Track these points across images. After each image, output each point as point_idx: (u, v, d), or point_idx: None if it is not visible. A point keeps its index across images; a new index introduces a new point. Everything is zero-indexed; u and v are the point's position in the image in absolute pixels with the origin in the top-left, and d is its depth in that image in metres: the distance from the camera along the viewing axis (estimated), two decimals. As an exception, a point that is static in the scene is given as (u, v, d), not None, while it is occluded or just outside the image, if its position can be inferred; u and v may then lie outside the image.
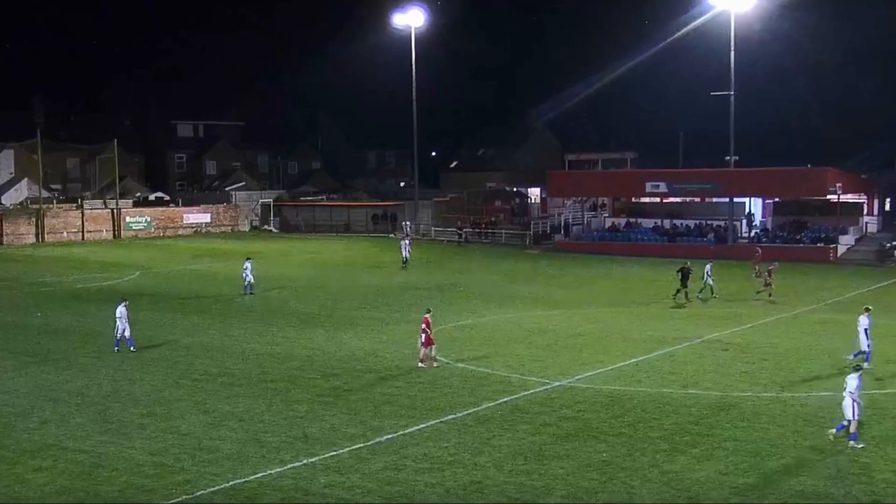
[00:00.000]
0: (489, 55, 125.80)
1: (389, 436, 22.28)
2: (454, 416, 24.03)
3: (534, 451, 21.06)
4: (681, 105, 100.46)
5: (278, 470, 19.97)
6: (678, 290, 45.86)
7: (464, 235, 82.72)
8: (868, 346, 29.97)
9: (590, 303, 46.24)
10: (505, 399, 25.75)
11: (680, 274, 45.86)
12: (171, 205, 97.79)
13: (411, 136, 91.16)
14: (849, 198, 77.30)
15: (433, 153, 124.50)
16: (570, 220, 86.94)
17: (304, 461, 20.51)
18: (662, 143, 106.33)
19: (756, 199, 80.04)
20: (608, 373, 29.31)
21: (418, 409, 24.83)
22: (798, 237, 73.23)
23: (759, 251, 57.45)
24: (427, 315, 30.22)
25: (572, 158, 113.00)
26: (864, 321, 30.21)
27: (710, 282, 46.91)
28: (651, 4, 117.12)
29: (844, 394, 21.63)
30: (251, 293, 47.49)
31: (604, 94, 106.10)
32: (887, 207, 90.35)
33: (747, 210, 79.05)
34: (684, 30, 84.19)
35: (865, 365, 29.08)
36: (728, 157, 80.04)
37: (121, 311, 32.83)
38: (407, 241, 64.02)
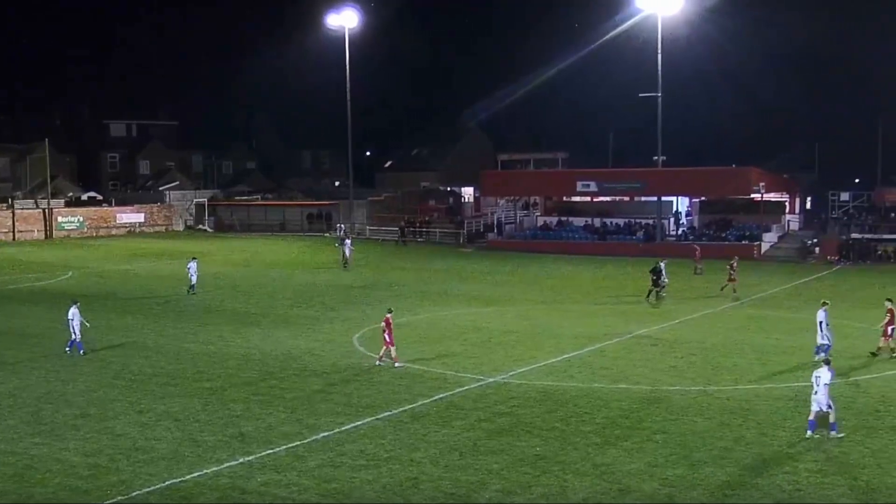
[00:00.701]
0: (423, 56, 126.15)
1: (326, 433, 22.18)
2: (390, 413, 24.00)
3: (469, 447, 21.12)
4: (610, 106, 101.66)
5: (214, 469, 19.77)
6: (650, 291, 45.62)
7: (406, 235, 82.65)
8: (827, 338, 30.24)
9: (522, 300, 46.51)
10: (440, 396, 25.80)
11: (652, 274, 45.70)
12: (103, 205, 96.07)
13: (346, 136, 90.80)
14: (772, 197, 78.95)
15: (368, 153, 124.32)
16: (503, 219, 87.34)
17: (241, 460, 20.33)
18: (593, 143, 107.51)
19: (683, 197, 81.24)
20: (541, 369, 29.50)
21: (354, 406, 24.76)
22: (724, 235, 74.48)
23: (699, 248, 58.34)
24: (388, 315, 30.10)
25: (505, 158, 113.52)
26: (821, 315, 30.53)
27: (665, 279, 47.25)
28: (581, 7, 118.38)
29: (816, 388, 21.83)
30: (194, 293, 46.94)
31: (535, 95, 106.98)
32: (808, 206, 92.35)
33: (675, 209, 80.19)
34: (613, 32, 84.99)
35: (820, 356, 29.46)
36: (656, 157, 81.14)
37: (73, 312, 32.13)
38: (349, 242, 63.40)
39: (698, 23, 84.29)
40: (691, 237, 75.61)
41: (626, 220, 79.24)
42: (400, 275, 57.13)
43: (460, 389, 26.56)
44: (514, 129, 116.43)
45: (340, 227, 79.78)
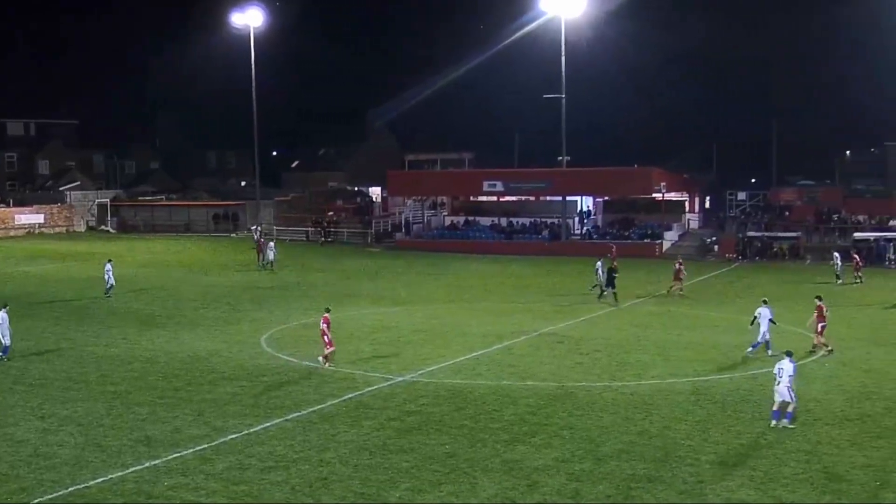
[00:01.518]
0: (329, 55, 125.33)
1: (234, 435, 21.89)
2: (299, 413, 23.81)
3: (378, 446, 21.09)
4: (516, 107, 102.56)
5: (120, 474, 19.34)
6: (602, 291, 45.40)
7: (328, 235, 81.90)
8: (762, 334, 31.02)
9: (431, 299, 46.61)
10: (349, 395, 25.69)
11: (605, 275, 45.62)
12: (1, 205, 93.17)
13: (252, 135, 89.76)
14: (672, 196, 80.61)
15: (274, 153, 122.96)
16: (411, 219, 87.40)
17: (147, 464, 19.93)
18: (499, 143, 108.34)
19: (587, 197, 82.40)
20: (449, 367, 29.61)
21: (263, 407, 24.50)
22: (626, 233, 75.79)
23: (615, 247, 59.22)
24: (326, 314, 29.78)
25: (412, 158, 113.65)
26: (765, 312, 31.29)
27: (601, 277, 47.62)
28: (486, 8, 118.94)
29: (780, 380, 22.44)
30: (109, 296, 45.78)
31: (442, 96, 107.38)
32: (707, 205, 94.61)
33: (580, 208, 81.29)
34: (518, 34, 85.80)
35: (749, 351, 30.85)
36: (561, 158, 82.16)
37: (2, 316, 31.02)
38: (272, 244, 61.77)
39: (600, 25, 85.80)
40: (595, 236, 76.81)
41: (532, 220, 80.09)
42: (308, 275, 56.69)
43: (369, 389, 26.49)
44: (421, 130, 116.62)
45: (257, 229, 78.34)
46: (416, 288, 51.43)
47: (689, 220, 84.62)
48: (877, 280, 53.39)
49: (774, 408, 22.56)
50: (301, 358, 30.77)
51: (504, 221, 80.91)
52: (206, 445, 21.14)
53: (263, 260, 60.55)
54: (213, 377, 28.20)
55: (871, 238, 67.36)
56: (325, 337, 29.30)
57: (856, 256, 54.11)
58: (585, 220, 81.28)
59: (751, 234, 74.05)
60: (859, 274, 52.01)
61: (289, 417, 23.46)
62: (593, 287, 47.17)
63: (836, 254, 54.34)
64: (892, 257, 63.72)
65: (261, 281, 53.41)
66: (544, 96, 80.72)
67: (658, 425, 22.67)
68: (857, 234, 69.58)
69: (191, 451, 20.78)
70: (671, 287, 47.96)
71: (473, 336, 35.24)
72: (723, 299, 46.53)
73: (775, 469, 19.39)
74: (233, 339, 34.72)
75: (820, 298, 32.34)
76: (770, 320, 31.16)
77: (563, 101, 77.80)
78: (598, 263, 47.98)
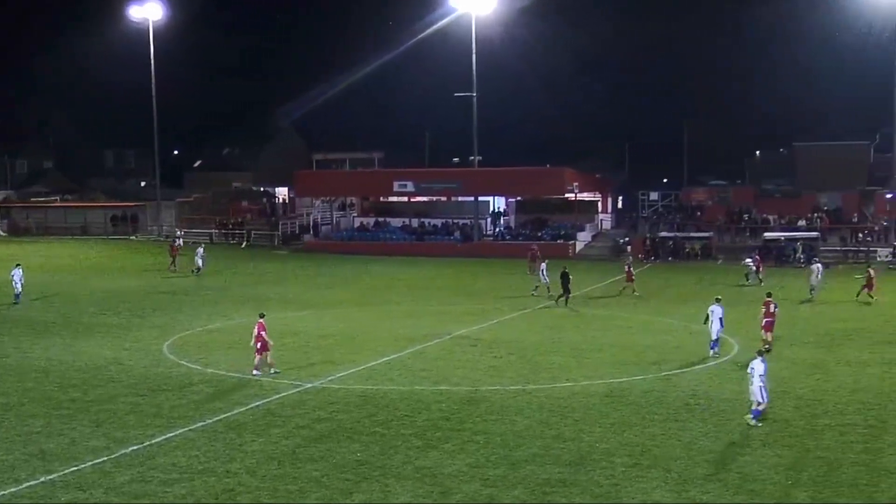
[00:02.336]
0: (232, 52, 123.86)
1: (135, 447, 21.45)
2: (204, 423, 23.44)
3: (287, 455, 20.89)
4: (426, 105, 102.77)
5: (13, 490, 18.77)
6: (560, 295, 44.89)
7: (250, 238, 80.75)
8: (716, 332, 31.73)
9: (340, 303, 46.40)
10: (257, 403, 25.40)
11: (561, 279, 45.20)
12: None
13: (152, 133, 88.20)
14: (585, 196, 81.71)
15: (176, 152, 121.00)
16: (319, 220, 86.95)
17: (42, 479, 19.38)
18: (409, 142, 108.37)
19: (500, 197, 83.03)
20: (360, 372, 29.50)
21: (166, 417, 24.05)
22: (539, 234, 76.58)
23: (536, 248, 59.75)
24: (261, 319, 29.31)
25: (319, 158, 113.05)
26: (717, 310, 31.86)
27: (546, 279, 47.83)
28: (395, 4, 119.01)
29: (752, 379, 22.99)
30: (17, 302, 44.32)
31: (350, 94, 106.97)
32: (619, 205, 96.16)
33: (492, 208, 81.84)
34: (428, 31, 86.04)
35: (712, 352, 31.57)
36: (472, 157, 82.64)
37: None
38: (201, 249, 59.55)
39: (512, 23, 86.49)
40: (508, 237, 77.46)
41: (444, 221, 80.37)
42: (212, 279, 55.92)
43: (277, 396, 26.23)
44: (329, 129, 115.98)
45: (178, 232, 76.72)
46: (325, 291, 51.14)
47: (601, 220, 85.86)
48: (786, 279, 54.81)
49: (753, 407, 23.15)
50: (205, 365, 30.32)
51: (415, 222, 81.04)
52: (105, 458, 20.66)
53: (175, 265, 59.02)
54: (112, 386, 27.58)
55: (782, 238, 69.30)
56: (258, 344, 28.86)
57: (757, 258, 55.42)
58: (498, 221, 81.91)
59: (663, 234, 75.52)
60: (760, 276, 52.97)
61: (193, 427, 23.08)
62: (535, 289, 47.65)
63: (749, 259, 55.20)
64: (800, 257, 65.56)
65: (160, 285, 52.52)
66: (455, 94, 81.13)
67: (573, 428, 22.93)
68: (768, 234, 71.52)
69: (89, 464, 20.29)
70: (624, 288, 48.79)
71: (385, 340, 35.18)
72: (636, 300, 47.27)
73: (689, 470, 19.77)
74: (133, 346, 34.03)
75: (770, 296, 33.52)
76: (716, 317, 31.78)
77: (475, 99, 78.30)
78: (544, 265, 48.39)
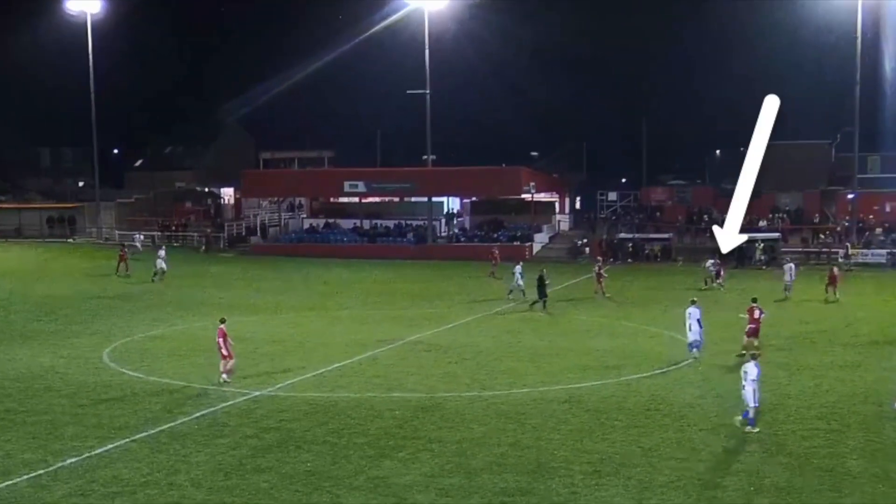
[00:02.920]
0: (175, 47, 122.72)
1: (74, 459, 21.16)
2: (147, 433, 23.19)
3: (234, 466, 20.73)
4: (378, 103, 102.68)
5: (-57, 506, 18.47)
6: (535, 301, 44.61)
7: (211, 243, 79.95)
8: (698, 334, 31.99)
9: (289, 307, 46.18)
10: (203, 412, 25.18)
11: (538, 283, 44.97)
12: None
13: (90, 131, 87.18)
14: (542, 197, 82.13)
15: (116, 150, 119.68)
16: (267, 222, 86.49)
17: (-25, 494, 19.09)
18: (360, 141, 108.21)
19: (454, 198, 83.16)
20: (310, 379, 29.37)
21: (106, 428, 23.76)
22: (496, 236, 76.79)
23: (497, 251, 59.88)
24: (222, 325, 29.04)
25: (267, 157, 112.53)
26: (694, 312, 32.16)
27: (521, 283, 47.82)
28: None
29: (744, 382, 23.15)
30: None
31: (299, 91, 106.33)
32: (577, 206, 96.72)
33: (446, 209, 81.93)
34: (380, 26, 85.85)
35: (695, 352, 31.82)
36: (426, 157, 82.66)
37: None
38: (163, 252, 57.77)
39: (466, 18, 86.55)
40: (463, 239, 77.58)
41: (397, 222, 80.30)
42: (155, 283, 55.38)
43: (224, 405, 26.03)
44: (277, 127, 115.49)
45: (138, 236, 75.49)
46: (274, 295, 50.85)
47: (559, 221, 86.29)
48: (747, 282, 55.41)
49: (748, 409, 23.30)
50: (148, 373, 30.02)
51: (367, 224, 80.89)
52: (41, 471, 20.36)
53: (126, 271, 57.78)
54: (49, 396, 27.19)
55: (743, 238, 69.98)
56: (223, 350, 28.61)
57: (718, 261, 55.50)
58: (454, 223, 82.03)
59: (622, 235, 76.09)
60: (720, 282, 52.96)
61: (135, 438, 22.83)
62: (510, 294, 47.63)
63: (710, 263, 55.23)
64: (760, 258, 66.33)
65: (99, 290, 51.90)
66: (408, 92, 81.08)
67: (531, 436, 22.99)
68: (728, 235, 72.19)
69: (24, 478, 19.98)
70: (596, 290, 49.23)
71: (336, 346, 35.06)
72: (595, 303, 47.53)
73: (650, 477, 19.90)
74: (71, 354, 33.60)
75: (755, 301, 33.50)
76: (695, 320, 32.07)
77: (428, 97, 78.32)
78: (518, 268, 48.42)
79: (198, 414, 25.02)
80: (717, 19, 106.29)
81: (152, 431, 23.36)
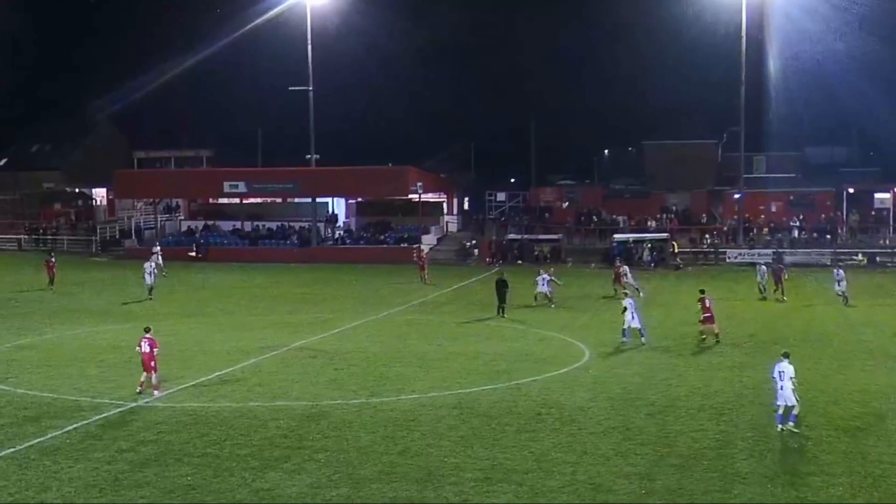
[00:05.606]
0: (42, 38, 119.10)
1: (-66, 479, 20.46)
2: (14, 449, 22.52)
3: (109, 481, 20.29)
4: (259, 100, 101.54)
5: None
6: (500, 307, 43.91)
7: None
8: (638, 321, 36.14)
9: (165, 314, 45.37)
10: (74, 425, 24.57)
11: (496, 287, 44.51)
12: None
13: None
14: (430, 197, 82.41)
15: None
16: (142, 224, 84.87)
17: None
18: (241, 140, 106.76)
19: (339, 199, 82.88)
20: (189, 389, 28.93)
21: (-32, 445, 23.04)
22: (382, 238, 76.79)
23: (422, 252, 59.69)
24: (148, 335, 28.28)
25: (142, 156, 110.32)
26: (631, 303, 36.51)
27: (545, 288, 47.27)
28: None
29: (782, 383, 23.18)
30: None
31: (175, 87, 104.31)
32: (466, 206, 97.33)
33: (330, 211, 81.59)
34: (260, 20, 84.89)
35: (630, 339, 35.64)
36: (309, 156, 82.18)
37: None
38: (152, 264, 52.94)
39: (350, 13, 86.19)
40: (349, 241, 77.38)
41: (280, 224, 79.65)
42: (20, 290, 53.86)
43: (98, 417, 25.46)
44: (152, 125, 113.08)
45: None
46: (149, 301, 49.90)
47: (447, 222, 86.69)
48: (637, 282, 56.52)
49: (779, 412, 23.43)
50: (15, 385, 29.17)
51: (248, 226, 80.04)
52: None
53: (52, 284, 53.85)
54: None
55: (630, 239, 71.45)
56: (153, 362, 27.91)
57: (622, 265, 55.04)
58: (339, 225, 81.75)
59: (511, 236, 76.87)
60: (616, 287, 50.92)
61: (1, 455, 22.17)
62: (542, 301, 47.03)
63: (626, 267, 54.30)
64: (647, 258, 67.71)
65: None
66: (290, 88, 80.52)
67: (420, 443, 23.07)
68: (617, 236, 73.64)
69: None
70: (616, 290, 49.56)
71: (216, 354, 34.62)
72: (485, 306, 47.86)
73: (541, 482, 20.16)
74: (-71, 366, 32.44)
75: (703, 292, 37.35)
76: (632, 312, 36.04)
77: (311, 94, 77.89)
78: (544, 277, 47.78)
79: (69, 427, 24.41)
80: (605, 19, 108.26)
81: (20, 447, 22.70)
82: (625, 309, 36.35)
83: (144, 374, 28.20)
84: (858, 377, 23.31)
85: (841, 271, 48.53)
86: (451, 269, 66.33)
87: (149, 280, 50.80)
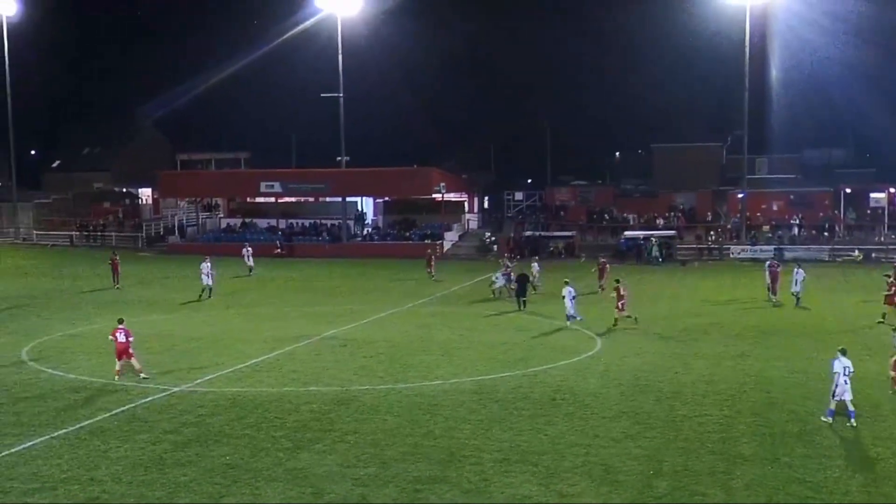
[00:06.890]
0: (93, 48, 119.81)
1: (-7, 457, 20.63)
2: (67, 430, 22.71)
3: (154, 461, 20.42)
4: (293, 106, 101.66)
5: None
6: (519, 300, 43.34)
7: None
8: (573, 309, 38.03)
9: (207, 305, 45.57)
10: (122, 408, 24.73)
11: (517, 282, 44.18)
12: None
13: (7, 133, 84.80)
14: (452, 197, 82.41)
15: (33, 152, 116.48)
16: (185, 222, 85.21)
17: None
18: (276, 143, 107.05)
19: (367, 198, 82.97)
20: (228, 375, 29.06)
21: (26, 425, 23.19)
22: (408, 235, 76.80)
23: (431, 247, 59.63)
24: (120, 325, 28.47)
25: (184, 158, 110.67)
26: (569, 291, 38.06)
27: (503, 281, 47.43)
28: (261, 4, 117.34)
29: (843, 378, 22.64)
30: None
31: (215, 93, 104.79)
32: (486, 205, 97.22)
33: (359, 209, 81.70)
34: (294, 31, 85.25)
35: (569, 323, 37.60)
36: (339, 158, 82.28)
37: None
38: (208, 264, 48.68)
39: (378, 24, 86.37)
40: (376, 238, 77.46)
41: (312, 221, 79.84)
42: (73, 282, 54.16)
43: (144, 401, 25.61)
44: (194, 129, 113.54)
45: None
46: (191, 293, 50.02)
47: (468, 220, 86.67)
48: (644, 275, 56.38)
49: (831, 406, 22.96)
50: (67, 371, 29.39)
51: (283, 223, 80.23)
52: (-40, 469, 19.82)
53: (117, 284, 52.88)
54: (-33, 395, 26.46)
55: (640, 236, 71.27)
56: (130, 349, 28.12)
57: (603, 261, 52.33)
58: (368, 222, 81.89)
59: (528, 233, 76.75)
60: (602, 283, 48.92)
61: (55, 435, 22.33)
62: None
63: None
64: (655, 254, 67.45)
65: (19, 290, 50.61)
66: (322, 95, 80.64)
67: (443, 426, 23.09)
68: (627, 233, 73.47)
69: (-57, 476, 19.43)
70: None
71: (253, 342, 34.73)
72: (501, 298, 47.76)
73: (556, 463, 20.16)
74: (-11, 353, 32.71)
75: (619, 281, 38.97)
76: (573, 297, 37.93)
77: (342, 100, 78.00)
78: (500, 272, 47.75)
79: (117, 410, 24.58)
80: (617, 31, 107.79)
81: (72, 428, 22.89)
82: (563, 297, 38.24)
83: (119, 361, 28.24)
84: (855, 367, 23.08)
85: (801, 271, 44.25)
86: (471, 264, 66.27)
87: (206, 280, 47.96)
